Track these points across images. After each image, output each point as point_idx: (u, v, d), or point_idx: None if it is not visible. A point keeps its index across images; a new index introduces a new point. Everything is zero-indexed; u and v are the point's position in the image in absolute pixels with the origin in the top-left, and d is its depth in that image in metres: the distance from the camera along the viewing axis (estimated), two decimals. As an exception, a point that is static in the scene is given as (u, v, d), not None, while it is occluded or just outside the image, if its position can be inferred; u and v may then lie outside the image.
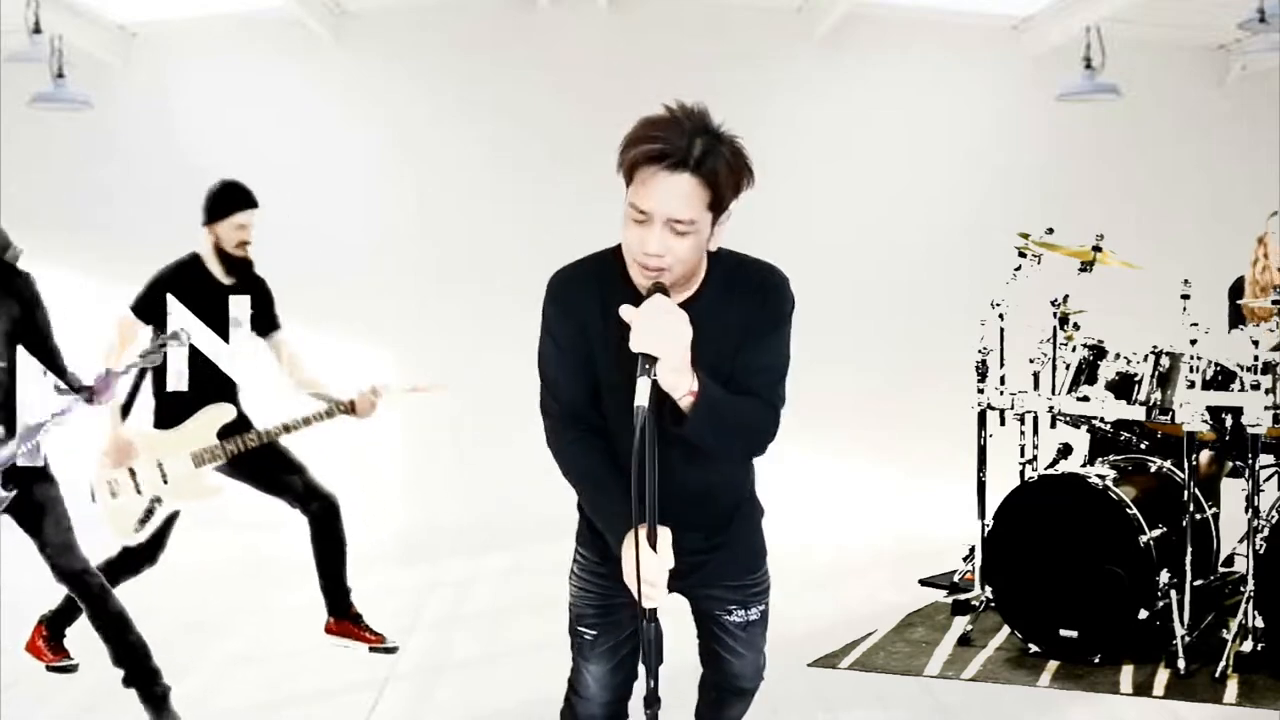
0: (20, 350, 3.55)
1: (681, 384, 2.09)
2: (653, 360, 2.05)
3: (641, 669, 2.18)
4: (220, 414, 4.23)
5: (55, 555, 3.55)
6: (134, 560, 4.22)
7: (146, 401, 4.27)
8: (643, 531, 2.11)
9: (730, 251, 2.30)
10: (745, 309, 2.25)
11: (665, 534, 2.15)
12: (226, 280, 4.29)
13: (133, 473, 4.15)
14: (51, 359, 3.58)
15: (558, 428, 2.32)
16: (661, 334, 2.06)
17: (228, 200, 4.29)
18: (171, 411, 4.23)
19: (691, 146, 2.09)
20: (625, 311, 2.08)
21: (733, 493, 2.46)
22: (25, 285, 3.60)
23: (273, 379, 4.47)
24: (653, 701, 2.16)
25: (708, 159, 2.10)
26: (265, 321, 4.43)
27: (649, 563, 2.11)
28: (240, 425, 4.28)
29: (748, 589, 2.49)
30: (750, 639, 2.53)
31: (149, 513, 4.16)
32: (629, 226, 2.15)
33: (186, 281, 4.17)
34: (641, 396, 2.03)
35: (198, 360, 4.00)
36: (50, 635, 4.18)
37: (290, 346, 4.49)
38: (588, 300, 2.24)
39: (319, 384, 4.43)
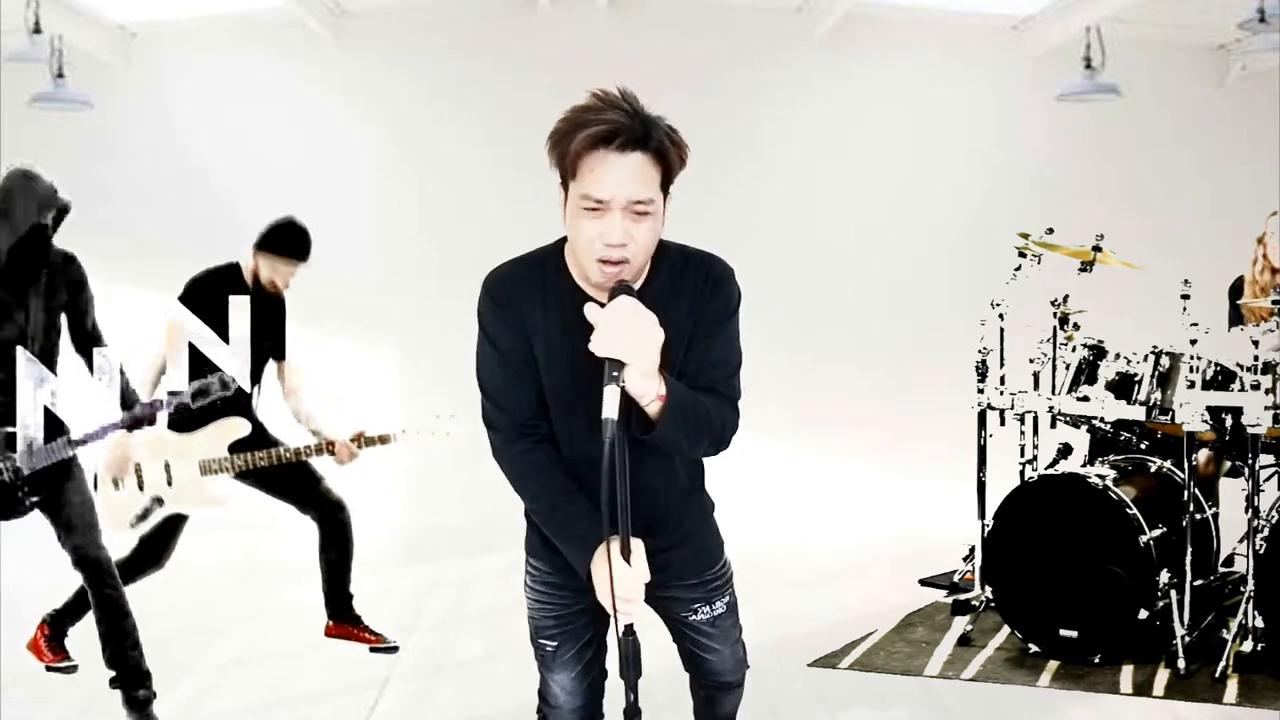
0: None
1: (650, 389, 2.00)
2: (620, 366, 1.95)
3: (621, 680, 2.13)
4: (235, 428, 4.22)
5: (75, 536, 3.54)
6: (140, 563, 4.22)
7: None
8: (615, 545, 2.04)
9: (674, 243, 2.23)
10: (693, 302, 2.17)
11: (639, 546, 2.09)
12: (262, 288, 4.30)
13: (139, 469, 4.16)
14: (89, 345, 3.54)
15: (504, 440, 2.22)
16: (631, 338, 1.96)
17: (275, 239, 4.30)
18: (186, 414, 4.22)
19: (636, 124, 2.03)
20: (590, 312, 1.98)
21: (683, 490, 2.39)
22: (77, 270, 3.61)
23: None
24: (633, 715, 2.11)
25: (653, 134, 2.04)
26: (275, 346, 4.44)
27: (623, 578, 2.05)
28: (255, 438, 4.28)
29: (708, 584, 2.43)
30: (722, 633, 2.48)
31: (147, 511, 4.16)
32: (581, 222, 2.05)
33: (221, 287, 4.16)
34: (610, 408, 1.92)
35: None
36: (52, 635, 4.17)
37: (295, 377, 4.51)
38: (529, 303, 2.16)
39: (314, 418, 4.44)
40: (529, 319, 2.16)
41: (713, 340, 2.19)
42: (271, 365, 4.50)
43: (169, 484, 4.18)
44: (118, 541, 3.89)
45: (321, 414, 4.46)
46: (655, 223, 2.09)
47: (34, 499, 3.49)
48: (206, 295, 4.05)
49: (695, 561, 2.43)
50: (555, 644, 2.38)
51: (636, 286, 2.13)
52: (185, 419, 4.19)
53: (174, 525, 4.26)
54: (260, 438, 4.31)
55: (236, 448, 4.22)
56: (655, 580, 2.28)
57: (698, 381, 2.17)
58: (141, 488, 4.16)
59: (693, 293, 2.18)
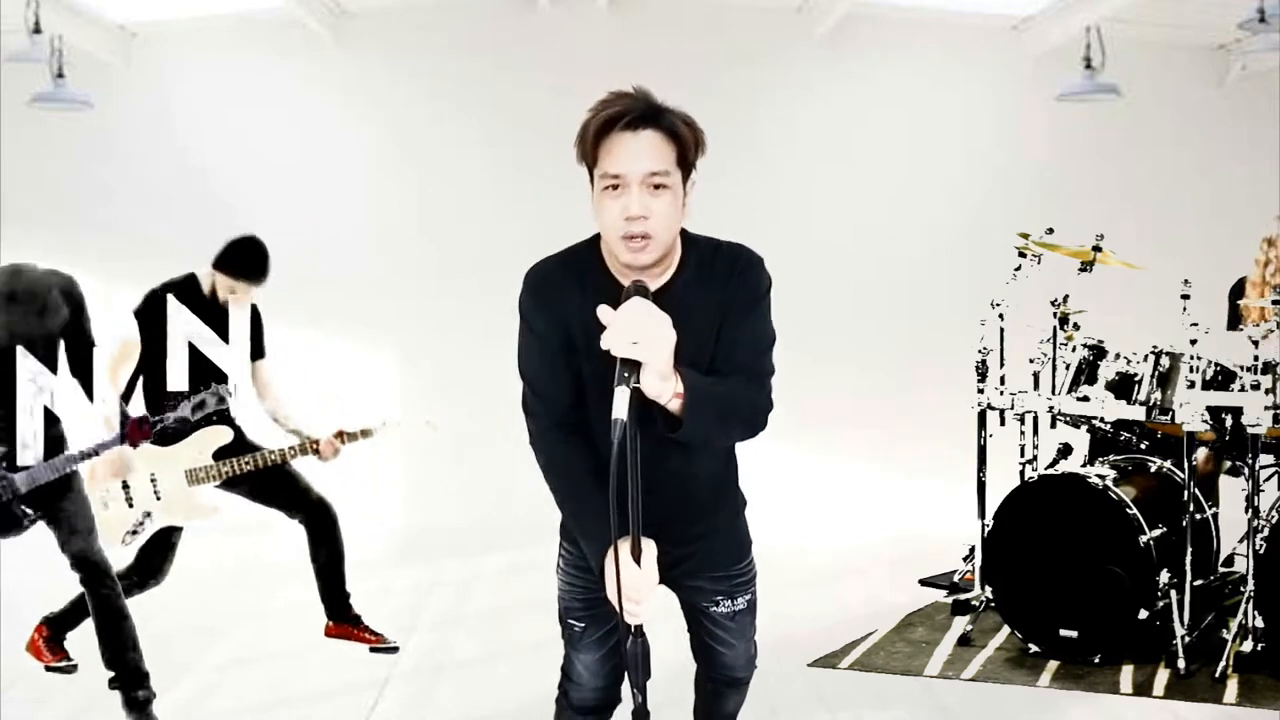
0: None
1: (667, 389, 2.03)
2: (634, 367, 1.97)
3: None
4: (217, 436, 4.21)
5: (75, 539, 3.54)
6: (139, 578, 4.21)
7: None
8: (625, 546, 2.06)
9: (703, 235, 2.29)
10: (722, 290, 2.22)
11: (650, 548, 2.11)
12: (219, 301, 4.26)
13: (125, 486, 4.14)
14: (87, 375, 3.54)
15: (540, 428, 2.29)
16: (644, 338, 1.97)
17: (229, 259, 4.23)
18: (183, 425, 4.21)
19: (647, 107, 2.13)
20: (603, 313, 2.00)
21: (716, 481, 2.43)
22: (78, 295, 3.59)
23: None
24: (642, 716, 2.13)
25: (664, 115, 2.14)
26: (251, 348, 4.39)
27: (633, 579, 2.07)
28: (238, 445, 4.27)
29: (733, 579, 2.48)
30: (740, 628, 2.52)
31: (138, 526, 4.15)
32: (605, 204, 2.14)
33: (180, 298, 4.13)
34: (620, 408, 1.92)
35: (194, 377, 3.97)
36: (51, 636, 4.17)
37: (271, 377, 4.47)
38: (567, 293, 2.21)
39: (291, 419, 4.41)
40: (568, 310, 2.21)
41: (741, 324, 2.23)
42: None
43: (157, 497, 4.17)
44: (113, 556, 3.88)
45: (299, 414, 4.43)
46: (674, 198, 2.14)
47: (32, 514, 3.49)
48: (164, 309, 4.00)
49: (725, 555, 2.47)
50: (582, 625, 2.45)
51: (667, 277, 2.20)
52: (167, 429, 4.19)
53: (170, 539, 4.25)
54: (241, 444, 4.30)
55: (220, 455, 4.22)
56: (684, 569, 2.36)
57: (729, 363, 2.21)
58: (131, 504, 4.15)
59: (721, 281, 2.23)
